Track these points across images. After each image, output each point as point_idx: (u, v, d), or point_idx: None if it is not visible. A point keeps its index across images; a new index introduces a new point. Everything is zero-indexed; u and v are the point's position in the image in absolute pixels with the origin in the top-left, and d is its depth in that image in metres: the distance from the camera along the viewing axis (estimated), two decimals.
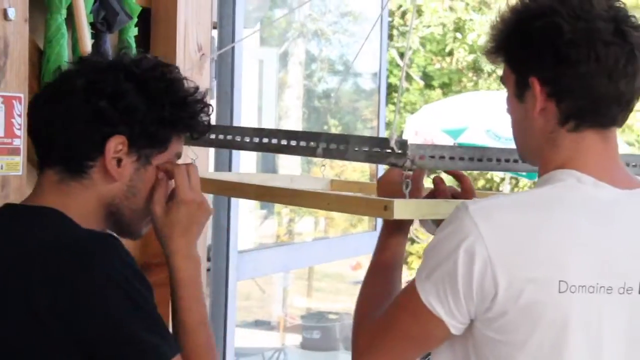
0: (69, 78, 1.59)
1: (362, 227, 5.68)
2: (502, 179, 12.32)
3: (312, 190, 1.84)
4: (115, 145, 1.54)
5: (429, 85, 13.91)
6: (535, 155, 1.57)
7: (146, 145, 1.57)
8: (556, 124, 1.51)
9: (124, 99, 1.54)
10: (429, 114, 8.91)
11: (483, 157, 1.68)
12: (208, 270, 2.99)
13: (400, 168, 1.57)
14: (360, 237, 4.94)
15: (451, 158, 1.62)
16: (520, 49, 1.53)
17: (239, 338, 3.41)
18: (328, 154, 1.67)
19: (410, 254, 13.00)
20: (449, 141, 7.86)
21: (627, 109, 1.52)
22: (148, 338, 1.42)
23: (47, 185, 1.57)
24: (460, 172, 1.77)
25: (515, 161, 1.74)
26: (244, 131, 1.86)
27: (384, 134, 4.87)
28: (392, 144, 1.56)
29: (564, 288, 1.43)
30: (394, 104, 13.29)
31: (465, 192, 1.78)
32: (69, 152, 1.56)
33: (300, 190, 1.84)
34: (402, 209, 1.62)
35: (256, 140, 1.81)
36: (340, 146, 1.65)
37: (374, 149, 1.60)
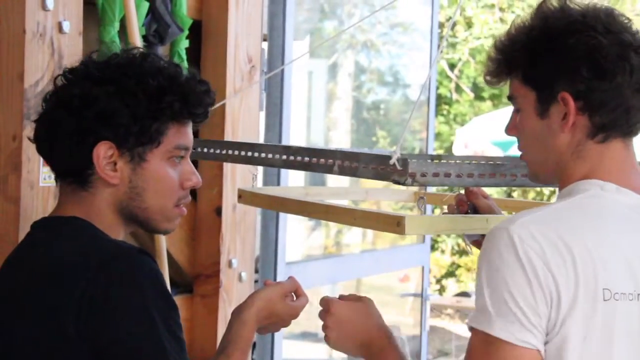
0: (44, 99, 1.61)
1: (410, 239, 5.65)
2: (553, 192, 12.19)
3: (342, 207, 1.85)
4: (104, 151, 1.54)
5: (479, 97, 13.83)
6: (554, 170, 1.55)
7: (136, 143, 1.55)
8: (584, 137, 1.51)
9: (96, 105, 1.53)
10: (479, 126, 8.86)
11: (496, 173, 1.65)
12: (256, 281, 3.00)
13: (402, 185, 1.56)
14: (408, 249, 4.92)
15: (458, 176, 1.59)
16: (549, 65, 1.52)
17: (286, 349, 3.41)
18: (343, 171, 1.68)
19: (459, 266, 12.90)
20: (499, 153, 7.81)
21: None
22: (165, 356, 1.42)
23: (65, 197, 1.60)
24: (470, 190, 1.77)
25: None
26: (273, 149, 1.90)
27: (433, 145, 4.84)
28: (394, 161, 1.55)
29: (608, 296, 1.42)
30: (443, 115, 13.24)
31: (482, 208, 1.78)
32: (65, 166, 1.58)
33: (332, 206, 1.86)
34: (414, 224, 1.62)
35: (284, 157, 1.84)
36: (352, 164, 1.65)
37: (379, 166, 1.59)
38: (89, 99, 1.53)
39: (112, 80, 1.54)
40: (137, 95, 1.54)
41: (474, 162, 1.62)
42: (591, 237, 1.44)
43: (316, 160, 1.74)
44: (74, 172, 1.57)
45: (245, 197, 2.16)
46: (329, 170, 1.69)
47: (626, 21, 1.52)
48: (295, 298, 1.73)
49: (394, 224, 1.62)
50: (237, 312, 1.65)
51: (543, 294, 1.39)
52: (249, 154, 1.97)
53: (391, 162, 1.55)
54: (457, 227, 1.67)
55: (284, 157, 1.83)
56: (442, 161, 1.87)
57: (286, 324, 1.72)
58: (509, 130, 1.61)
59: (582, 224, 1.45)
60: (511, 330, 1.39)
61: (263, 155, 1.91)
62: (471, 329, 1.44)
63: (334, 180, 6.18)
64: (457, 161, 1.80)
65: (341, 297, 1.73)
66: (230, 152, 2.04)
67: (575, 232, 1.43)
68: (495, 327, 1.39)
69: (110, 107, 1.53)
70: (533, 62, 1.54)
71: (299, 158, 1.79)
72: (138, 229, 1.63)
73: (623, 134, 1.52)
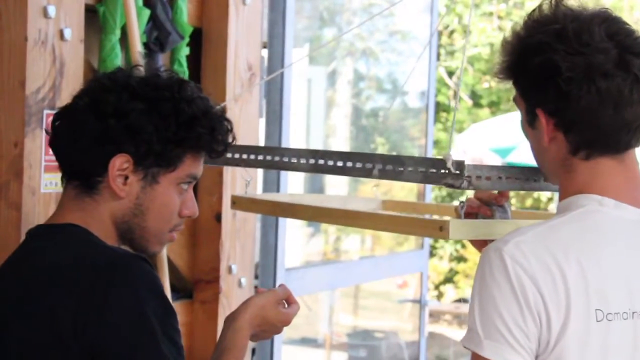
0: (76, 96, 1.62)
1: (408, 245, 5.66)
2: (550, 199, 12.20)
3: (367, 212, 1.83)
4: (120, 163, 1.55)
5: (477, 104, 13.85)
6: (554, 177, 1.56)
7: (153, 164, 1.57)
8: (568, 153, 1.50)
9: (127, 118, 1.54)
10: (477, 132, 8.87)
11: (539, 178, 1.66)
12: (256, 287, 3.01)
13: (456, 188, 1.57)
14: (407, 255, 4.93)
15: (507, 178, 1.60)
16: (525, 81, 1.53)
17: (285, 355, 3.42)
18: (384, 175, 1.66)
19: (457, 272, 12.90)
20: (497, 160, 7.82)
21: (639, 131, 1.49)
22: None
23: (67, 201, 1.60)
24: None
25: None
26: (298, 153, 1.85)
27: (431, 152, 4.86)
28: (449, 164, 1.55)
29: (601, 317, 1.41)
30: (441, 122, 13.25)
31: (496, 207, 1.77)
32: (76, 167, 1.58)
33: (355, 212, 1.83)
34: (457, 229, 1.62)
35: (311, 161, 1.80)
36: (396, 167, 1.64)
37: (430, 170, 1.59)
38: (121, 109, 1.54)
39: (148, 99, 1.56)
40: (168, 119, 1.55)
41: (518, 166, 1.63)
42: (586, 256, 1.43)
43: (352, 164, 1.70)
44: (83, 176, 1.58)
45: (241, 203, 2.16)
46: (368, 174, 1.66)
47: (606, 39, 1.45)
48: (287, 305, 1.74)
49: (435, 228, 1.62)
50: (231, 320, 1.66)
51: (532, 315, 1.39)
52: (268, 157, 1.91)
53: (448, 164, 1.54)
54: (495, 232, 1.67)
55: (312, 161, 1.79)
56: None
57: (278, 331, 1.73)
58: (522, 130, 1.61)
59: (577, 242, 1.44)
60: (499, 351, 1.40)
61: (286, 159, 1.87)
62: (465, 347, 1.45)
63: (331, 188, 6.19)
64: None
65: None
66: (245, 156, 1.97)
67: (570, 251, 1.42)
68: (484, 348, 1.41)
69: (139, 123, 1.54)
70: (518, 76, 1.54)
71: (330, 162, 1.75)
72: (126, 245, 1.63)
73: (609, 152, 1.49)
